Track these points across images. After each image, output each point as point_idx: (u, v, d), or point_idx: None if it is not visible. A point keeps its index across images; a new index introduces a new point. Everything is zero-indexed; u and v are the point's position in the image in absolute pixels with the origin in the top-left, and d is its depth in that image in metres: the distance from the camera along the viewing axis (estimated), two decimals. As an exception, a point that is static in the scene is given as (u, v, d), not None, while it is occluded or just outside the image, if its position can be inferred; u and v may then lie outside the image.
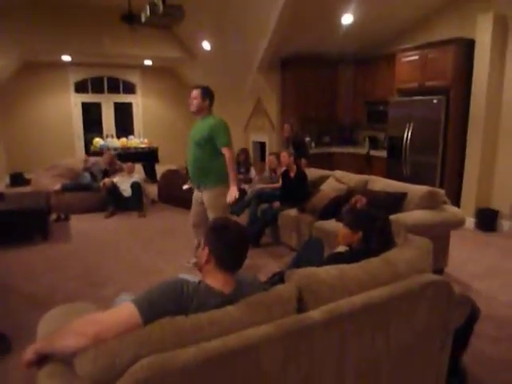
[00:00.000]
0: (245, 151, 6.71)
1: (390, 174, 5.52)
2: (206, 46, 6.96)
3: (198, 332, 1.25)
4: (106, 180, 5.81)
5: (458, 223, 3.38)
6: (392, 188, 3.69)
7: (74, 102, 8.62)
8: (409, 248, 1.84)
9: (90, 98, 8.86)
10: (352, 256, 1.99)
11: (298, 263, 2.32)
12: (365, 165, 6.11)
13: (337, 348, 1.46)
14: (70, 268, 3.75)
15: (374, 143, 6.36)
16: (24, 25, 6.19)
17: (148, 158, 8.04)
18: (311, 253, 2.32)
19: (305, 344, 1.39)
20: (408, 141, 5.19)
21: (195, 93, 3.17)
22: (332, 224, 3.60)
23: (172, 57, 7.80)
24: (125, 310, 1.26)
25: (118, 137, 8.57)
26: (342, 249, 2.15)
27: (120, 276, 3.56)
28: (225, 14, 5.75)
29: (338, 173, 4.49)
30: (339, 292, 1.54)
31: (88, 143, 8.53)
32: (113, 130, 9.15)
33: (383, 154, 5.74)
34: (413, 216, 3.18)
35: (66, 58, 7.56)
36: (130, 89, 9.29)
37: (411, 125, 5.13)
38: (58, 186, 5.62)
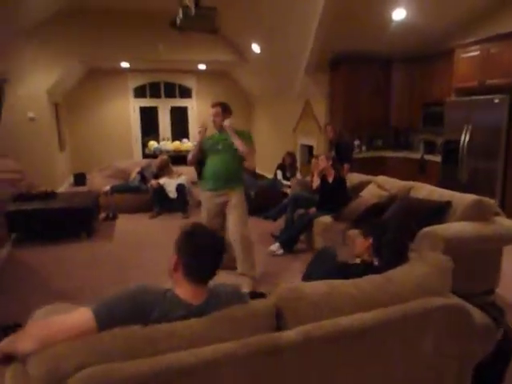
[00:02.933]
0: (291, 155, 6.56)
1: (444, 181, 5.07)
2: (256, 48, 6.94)
3: (152, 344, 1.17)
4: (153, 182, 6.00)
5: (512, 238, 2.96)
6: (437, 196, 3.34)
7: (132, 107, 9.09)
8: (421, 265, 1.61)
9: (147, 102, 9.29)
10: (358, 269, 1.80)
11: (308, 274, 2.16)
12: (418, 170, 5.68)
13: (316, 374, 1.30)
14: (106, 266, 3.89)
15: (430, 147, 5.88)
16: (85, 33, 6.64)
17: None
18: (322, 263, 2.15)
19: (276, 366, 1.25)
20: (465, 144, 4.71)
21: (215, 110, 3.19)
22: (366, 233, 3.35)
23: (224, 60, 7.89)
24: (81, 315, 1.22)
25: (174, 140, 8.90)
26: (357, 260, 1.96)
27: (150, 277, 3.61)
28: (271, 15, 5.67)
29: (381, 178, 4.18)
30: (324, 311, 1.38)
31: (145, 146, 8.94)
32: (169, 134, 9.50)
33: (439, 159, 5.28)
34: (454, 228, 2.84)
35: (125, 64, 7.98)
36: (186, 93, 9.58)
37: (469, 127, 4.65)
38: (107, 188, 5.91)
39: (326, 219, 3.89)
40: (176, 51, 7.42)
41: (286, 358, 1.26)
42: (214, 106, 3.24)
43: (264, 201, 5.50)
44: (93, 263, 3.97)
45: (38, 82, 6.74)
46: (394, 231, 1.77)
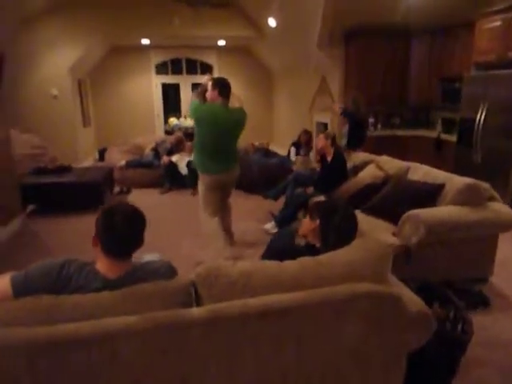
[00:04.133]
0: (308, 133, 6.43)
1: (458, 162, 4.83)
2: (272, 22, 6.75)
3: (55, 313, 1.22)
4: (165, 158, 6.12)
5: (506, 224, 2.79)
6: (432, 178, 3.19)
7: (154, 83, 9.21)
8: (357, 250, 1.56)
9: (169, 79, 9.36)
10: (300, 250, 1.78)
11: (264, 252, 2.15)
12: (434, 150, 5.41)
13: (225, 353, 1.32)
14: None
15: (449, 126, 5.56)
16: (106, 11, 6.73)
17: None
18: (277, 242, 2.13)
19: (182, 343, 1.28)
20: (481, 123, 4.42)
21: (209, 84, 3.17)
22: (355, 215, 3.28)
23: (242, 36, 7.76)
24: (2, 281, 1.30)
25: (195, 117, 8.95)
26: (302, 242, 1.93)
27: (150, 248, 3.72)
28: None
29: (383, 158, 4.03)
30: (240, 291, 1.38)
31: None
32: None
33: (455, 138, 5.00)
34: (438, 212, 2.71)
35: (145, 41, 8.04)
36: (207, 70, 9.55)
37: (486, 104, 4.35)
38: (122, 163, 6.10)
39: (320, 199, 3.83)
40: (194, 27, 7.37)
41: (193, 335, 1.29)
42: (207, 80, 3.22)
43: (271, 179, 5.47)
44: (89, 238, 4.13)
45: (61, 59, 6.95)
46: (342, 215, 1.71)
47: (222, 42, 8.50)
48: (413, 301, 1.58)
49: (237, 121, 3.23)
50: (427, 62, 5.74)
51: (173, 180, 6.05)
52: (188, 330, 1.28)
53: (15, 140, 5.88)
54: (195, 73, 9.52)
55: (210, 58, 9.40)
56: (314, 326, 1.39)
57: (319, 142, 4.12)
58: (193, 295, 1.40)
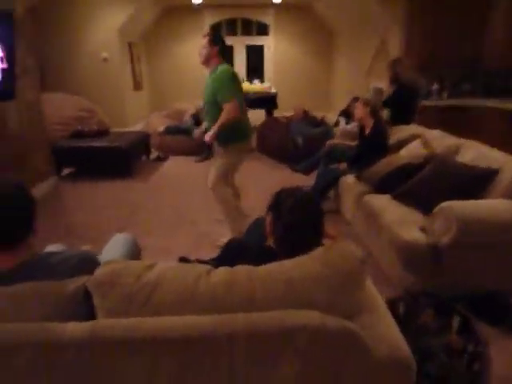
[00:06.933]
0: (357, 100, 5.76)
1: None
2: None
3: None
4: (197, 132, 5.85)
5: None
6: (487, 161, 2.53)
7: (207, 46, 8.86)
8: (312, 263, 1.14)
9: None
10: (254, 251, 1.40)
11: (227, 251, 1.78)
12: (510, 126, 4.49)
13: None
14: (124, 208, 3.96)
15: (534, 95, 4.56)
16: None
17: (266, 103, 7.78)
18: (247, 235, 1.74)
19: (51, 365, 1.01)
20: None
21: (204, 41, 2.71)
22: (383, 201, 2.76)
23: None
24: None
25: (250, 81, 8.54)
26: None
27: (162, 222, 3.57)
28: None
29: (433, 133, 3.36)
30: (138, 307, 1.06)
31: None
32: (243, 74, 9.14)
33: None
34: (483, 206, 2.12)
35: (196, 0, 7.67)
36: (263, 30, 8.99)
37: None
38: (161, 128, 5.97)
39: (350, 179, 3.32)
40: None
41: (69, 359, 1.01)
42: (204, 36, 2.79)
43: (313, 150, 4.98)
44: (114, 203, 4.08)
45: (110, 21, 6.88)
46: (293, 206, 1.26)
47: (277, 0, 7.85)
48: (390, 339, 1.14)
49: None
50: (509, 15, 4.68)
51: (211, 149, 5.79)
52: (61, 351, 1.00)
53: (64, 103, 6.01)
54: (250, 34, 9.01)
55: (267, 18, 8.78)
56: (235, 361, 1.04)
57: (357, 110, 3.55)
58: (84, 304, 1.11)
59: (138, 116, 8.16)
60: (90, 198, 4.24)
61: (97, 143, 4.80)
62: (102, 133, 5.28)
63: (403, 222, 2.40)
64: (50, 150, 4.49)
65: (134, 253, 1.86)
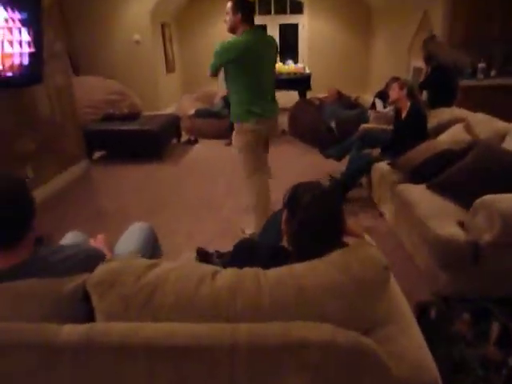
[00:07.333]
0: (396, 81, 5.42)
1: None
2: None
3: None
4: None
5: None
6: (538, 148, 2.28)
7: (240, 26, 8.65)
8: (326, 268, 1.02)
9: (256, 20, 8.69)
10: (266, 251, 1.29)
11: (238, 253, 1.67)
12: None
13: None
14: (158, 191, 3.97)
15: None
16: None
17: (299, 85, 7.53)
18: (270, 234, 1.62)
19: (48, 368, 0.97)
20: None
21: (228, 6, 2.55)
22: (418, 191, 2.56)
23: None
24: None
25: (282, 61, 8.30)
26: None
27: (189, 207, 3.55)
28: None
29: (477, 117, 3.08)
30: (137, 310, 0.99)
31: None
32: (277, 55, 8.88)
33: None
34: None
35: None
36: (297, 8, 8.64)
37: None
38: (192, 111, 5.92)
39: (384, 166, 3.12)
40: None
41: (63, 361, 0.96)
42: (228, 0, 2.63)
43: (346, 134, 4.76)
44: (144, 186, 4.10)
45: (142, 3, 6.82)
46: (310, 203, 1.13)
47: (313, -26, 7.49)
48: (414, 356, 1.01)
49: (272, 45, 2.75)
50: None
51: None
52: (56, 354, 0.96)
53: (96, 86, 6.07)
54: (284, 12, 8.69)
55: (302, -6, 8.44)
56: (236, 374, 0.95)
57: (392, 93, 3.31)
58: (83, 304, 1.06)
59: (171, 98, 8.14)
60: (120, 182, 4.28)
61: (127, 126, 4.81)
62: (133, 116, 5.29)
63: (439, 215, 2.21)
64: (81, 134, 4.55)
65: (150, 244, 1.81)
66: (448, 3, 4.77)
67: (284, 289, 1.00)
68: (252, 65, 2.56)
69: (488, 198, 1.94)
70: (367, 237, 1.65)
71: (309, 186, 1.20)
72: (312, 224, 1.12)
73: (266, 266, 1.12)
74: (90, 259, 1.23)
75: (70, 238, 1.86)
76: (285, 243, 1.24)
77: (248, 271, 1.06)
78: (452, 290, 1.98)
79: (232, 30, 2.59)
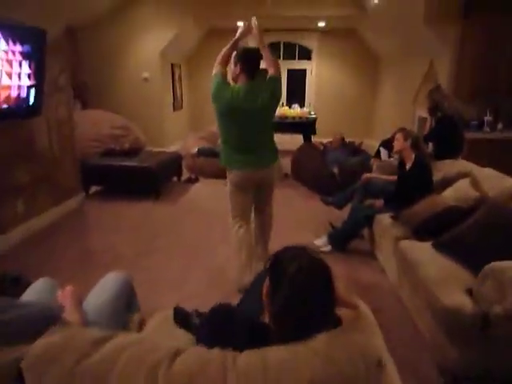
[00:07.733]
0: (402, 131, 5.37)
1: None
2: (375, -3, 5.75)
3: None
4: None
5: None
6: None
7: (249, 69, 8.83)
8: (306, 357, 0.85)
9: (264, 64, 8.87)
10: (242, 326, 1.12)
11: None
12: None
13: None
14: (151, 231, 3.83)
15: None
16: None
17: (304, 128, 7.54)
18: (253, 300, 1.43)
19: None
20: None
21: (232, 55, 2.59)
22: (422, 250, 2.38)
23: (342, 15, 6.85)
24: None
25: (289, 105, 8.38)
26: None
27: (181, 251, 3.39)
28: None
29: (484, 172, 2.95)
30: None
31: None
32: (283, 98, 9.00)
33: None
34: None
35: (240, 23, 7.66)
36: (305, 55, 8.83)
37: None
38: (194, 150, 5.88)
39: (386, 219, 2.96)
40: (289, 7, 6.77)
41: None
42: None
43: (349, 181, 4.64)
44: (137, 225, 3.97)
45: (153, 42, 6.99)
46: (296, 274, 0.97)
47: (321, 24, 7.68)
48: None
49: (265, 100, 2.45)
50: None
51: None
52: None
53: (102, 120, 6.09)
54: (293, 58, 8.88)
55: (311, 42, 8.62)
56: None
57: (396, 142, 3.21)
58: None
59: (177, 136, 8.17)
60: (114, 219, 4.14)
61: (125, 162, 4.74)
62: (134, 152, 5.24)
63: (445, 279, 2.03)
64: (78, 167, 4.47)
65: (123, 297, 1.64)
66: (454, 53, 4.78)
67: (252, 381, 0.82)
68: (233, 121, 2.48)
69: (498, 265, 1.76)
70: (362, 304, 1.47)
71: (296, 253, 1.04)
72: (299, 302, 0.95)
73: (241, 343, 0.95)
74: (46, 320, 1.07)
75: (38, 286, 1.71)
76: (266, 319, 1.06)
77: (215, 355, 0.89)
78: (462, 366, 1.76)
79: (233, 80, 2.58)
